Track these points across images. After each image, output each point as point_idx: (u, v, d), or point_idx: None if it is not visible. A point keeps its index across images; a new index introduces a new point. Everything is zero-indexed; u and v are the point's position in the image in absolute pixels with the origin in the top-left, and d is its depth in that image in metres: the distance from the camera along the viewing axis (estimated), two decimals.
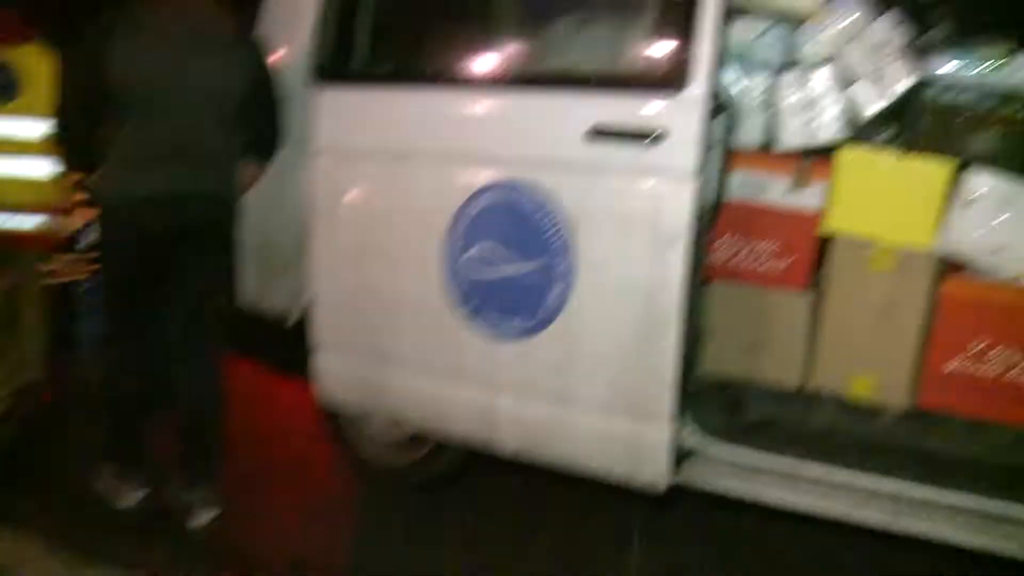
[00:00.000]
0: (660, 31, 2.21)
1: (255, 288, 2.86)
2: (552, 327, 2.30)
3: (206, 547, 2.60)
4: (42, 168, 2.97)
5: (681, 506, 2.63)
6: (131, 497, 2.74)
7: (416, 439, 2.85)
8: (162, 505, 2.73)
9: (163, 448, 2.78)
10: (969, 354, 2.36)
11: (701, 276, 2.31)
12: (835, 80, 2.44)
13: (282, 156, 2.70)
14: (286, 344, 2.82)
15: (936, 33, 2.57)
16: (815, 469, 2.25)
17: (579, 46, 2.40)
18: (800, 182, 2.47)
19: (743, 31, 2.49)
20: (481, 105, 2.38)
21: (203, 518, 2.68)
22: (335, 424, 2.99)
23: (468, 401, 2.48)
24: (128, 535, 2.61)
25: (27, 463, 3.04)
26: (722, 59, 2.25)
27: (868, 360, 2.45)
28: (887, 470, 2.22)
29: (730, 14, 2.34)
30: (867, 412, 2.49)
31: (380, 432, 2.92)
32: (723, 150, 2.35)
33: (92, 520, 2.67)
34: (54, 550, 2.49)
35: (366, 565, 2.62)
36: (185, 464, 2.72)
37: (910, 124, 2.46)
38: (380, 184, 2.51)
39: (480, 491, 2.99)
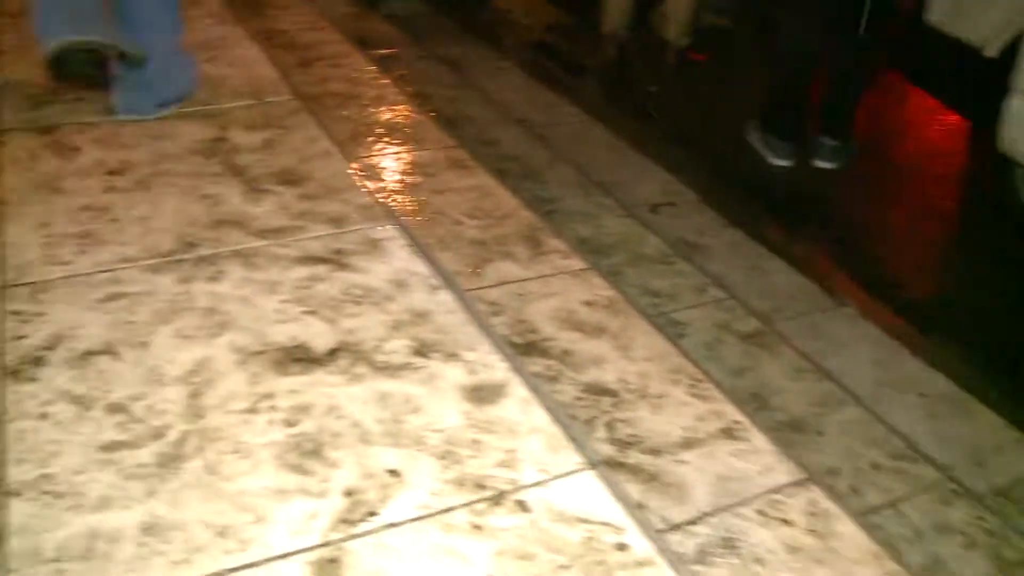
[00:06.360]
0: None
1: (948, 6, 2.59)
2: None
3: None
4: None
5: None
6: (783, 155, 2.88)
7: None
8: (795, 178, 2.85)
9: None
10: None
11: None
12: None
13: None
14: (973, 78, 2.56)
15: None
16: None
17: None
18: None
19: None
20: None
21: (825, 164, 2.88)
22: (1004, 176, 2.59)
23: None
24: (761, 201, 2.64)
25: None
26: None
27: None
28: None
29: None
30: None
31: None
32: None
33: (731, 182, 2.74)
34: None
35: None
36: (821, 114, 2.89)
37: None
38: None
39: None
